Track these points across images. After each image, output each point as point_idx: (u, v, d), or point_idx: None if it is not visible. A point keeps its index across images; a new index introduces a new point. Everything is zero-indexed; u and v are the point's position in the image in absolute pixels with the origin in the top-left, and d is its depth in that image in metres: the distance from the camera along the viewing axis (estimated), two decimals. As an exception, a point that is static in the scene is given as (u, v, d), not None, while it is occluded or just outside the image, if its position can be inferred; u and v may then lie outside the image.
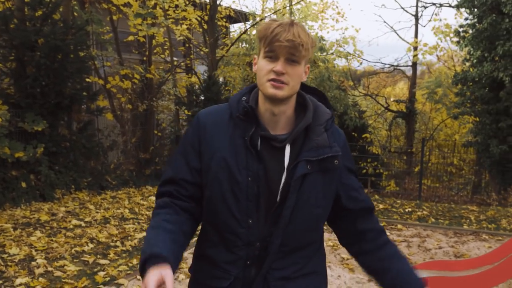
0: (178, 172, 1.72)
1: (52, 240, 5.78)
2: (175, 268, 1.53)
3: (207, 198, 1.69)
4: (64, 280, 4.61)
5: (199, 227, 1.81)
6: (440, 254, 5.90)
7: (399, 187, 12.92)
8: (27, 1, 8.35)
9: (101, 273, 4.79)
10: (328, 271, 5.07)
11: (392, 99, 16.59)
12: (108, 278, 4.68)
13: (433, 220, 7.57)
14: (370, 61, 15.94)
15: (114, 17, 11.42)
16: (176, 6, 12.21)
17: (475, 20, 10.24)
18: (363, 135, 13.64)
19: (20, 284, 4.48)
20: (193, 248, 1.84)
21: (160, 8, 10.80)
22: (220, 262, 1.69)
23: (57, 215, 6.91)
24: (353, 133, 13.70)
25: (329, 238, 6.39)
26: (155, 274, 1.43)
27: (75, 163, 8.67)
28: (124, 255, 5.44)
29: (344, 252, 5.81)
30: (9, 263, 4.96)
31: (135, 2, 9.60)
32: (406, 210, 8.22)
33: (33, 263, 5.02)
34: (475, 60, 10.30)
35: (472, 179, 12.68)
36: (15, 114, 7.91)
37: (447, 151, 14.09)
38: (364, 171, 12.89)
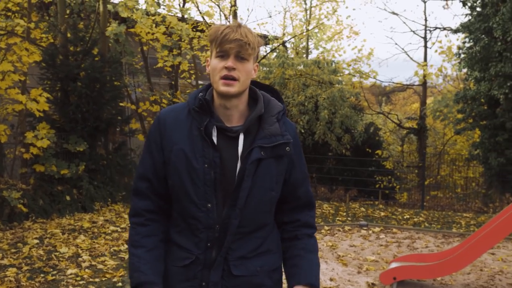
0: (147, 168, 1.88)
1: (94, 242, 6.91)
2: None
3: (170, 187, 1.85)
4: (105, 271, 5.70)
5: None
6: (425, 252, 6.76)
7: (409, 199, 13.71)
8: (69, 39, 9.65)
9: (135, 266, 5.86)
10: (324, 265, 6.08)
11: (405, 117, 17.44)
12: (140, 269, 5.76)
13: (426, 225, 8.45)
14: (382, 81, 16.83)
15: (145, 47, 12.69)
16: (199, 36, 13.37)
17: (472, 43, 11.16)
18: (376, 151, 14.49)
19: (71, 274, 5.57)
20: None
21: (186, 38, 11.95)
22: (184, 245, 1.85)
23: (97, 223, 8.05)
24: (368, 149, 14.56)
25: (330, 240, 7.35)
26: None
27: (111, 179, 9.85)
28: (153, 253, 6.52)
29: (340, 250, 6.75)
30: (60, 259, 6.09)
31: (162, 35, 10.79)
32: (405, 217, 9.10)
33: (80, 259, 6.13)
34: (473, 80, 11.19)
35: (479, 190, 13.39)
36: (60, 136, 9.14)
37: (461, 164, 14.86)
38: (378, 185, 13.71)
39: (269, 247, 1.91)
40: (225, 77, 1.74)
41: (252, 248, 1.85)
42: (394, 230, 7.96)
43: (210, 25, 14.17)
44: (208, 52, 2.06)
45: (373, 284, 5.42)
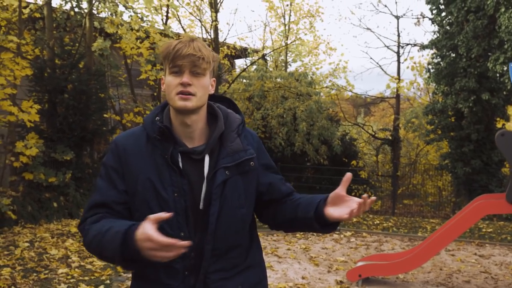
0: (107, 196, 1.74)
1: (82, 245, 7.33)
2: None
3: (137, 219, 1.64)
4: (94, 270, 6.14)
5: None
6: (391, 254, 7.32)
7: (382, 206, 14.34)
8: (57, 53, 10.08)
9: (122, 266, 6.31)
10: (297, 265, 6.59)
11: (379, 128, 18.15)
12: (127, 269, 6.22)
13: (394, 229, 9.03)
14: (358, 94, 17.54)
15: (129, 61, 13.15)
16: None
17: (439, 59, 11.91)
18: (352, 162, 15.12)
19: (62, 273, 6.00)
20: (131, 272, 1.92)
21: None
22: (160, 278, 1.73)
23: (84, 228, 8.45)
24: (344, 159, 15.18)
25: (304, 243, 7.87)
26: (143, 228, 1.49)
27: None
28: (138, 255, 6.97)
29: (313, 252, 7.27)
30: (51, 260, 6.51)
31: (146, 51, 11.28)
32: (375, 222, 9.68)
33: (69, 260, 6.55)
34: (440, 94, 11.93)
35: (450, 198, 14.06)
36: (48, 146, 9.55)
37: (433, 173, 15.56)
38: (353, 193, 14.33)
39: (250, 263, 1.85)
40: (181, 92, 1.67)
41: (231, 267, 1.78)
42: (364, 234, 8.52)
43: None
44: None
45: (341, 281, 5.94)
